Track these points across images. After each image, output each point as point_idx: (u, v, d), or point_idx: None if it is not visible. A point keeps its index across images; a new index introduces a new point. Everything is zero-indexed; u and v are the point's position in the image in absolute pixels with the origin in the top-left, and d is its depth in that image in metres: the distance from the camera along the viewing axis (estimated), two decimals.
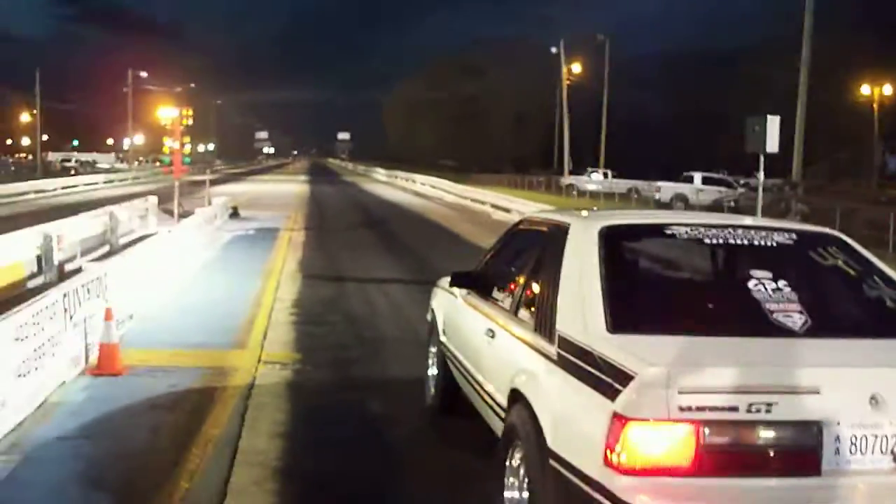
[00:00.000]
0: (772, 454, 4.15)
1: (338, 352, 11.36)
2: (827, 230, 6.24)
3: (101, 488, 6.59)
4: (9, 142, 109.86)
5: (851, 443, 4.21)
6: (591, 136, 73.87)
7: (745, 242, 5.57)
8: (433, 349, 8.63)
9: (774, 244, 5.56)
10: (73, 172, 77.28)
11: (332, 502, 6.56)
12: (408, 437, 8.12)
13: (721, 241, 5.61)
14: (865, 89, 55.68)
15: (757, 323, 4.82)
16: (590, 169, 67.96)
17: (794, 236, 5.71)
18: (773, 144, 17.67)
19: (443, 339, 8.15)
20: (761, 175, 19.24)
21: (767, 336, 4.73)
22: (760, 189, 20.18)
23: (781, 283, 5.06)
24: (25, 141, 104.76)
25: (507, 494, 5.38)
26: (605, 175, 65.03)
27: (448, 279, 7.69)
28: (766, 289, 5.01)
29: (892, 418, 4.22)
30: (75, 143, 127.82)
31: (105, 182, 66.83)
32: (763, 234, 5.66)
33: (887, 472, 4.25)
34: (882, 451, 4.24)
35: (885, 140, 49.36)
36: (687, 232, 5.62)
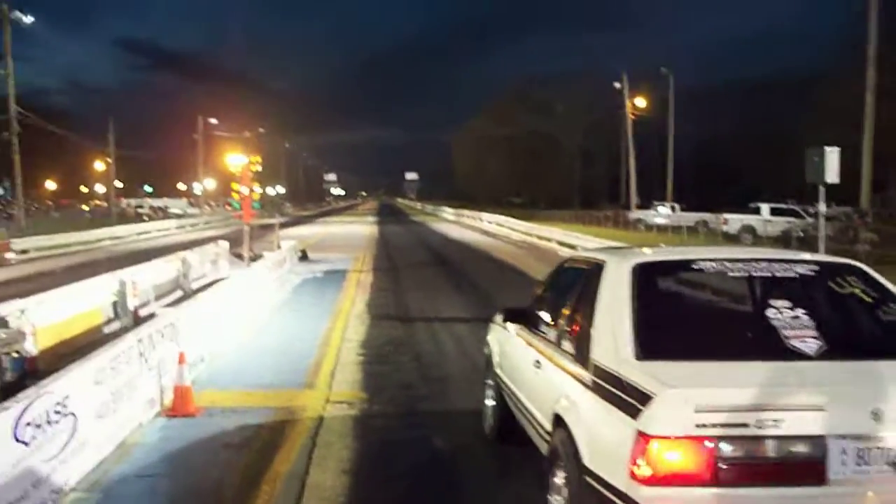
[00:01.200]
0: (781, 465, 4.54)
1: (404, 390, 11.62)
2: (847, 261, 6.61)
3: None
4: (84, 189, 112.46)
5: (856, 454, 4.58)
6: (659, 169, 73.47)
7: (768, 274, 5.97)
8: (489, 381, 9.08)
9: (796, 275, 5.98)
10: (145, 218, 78.94)
11: None
12: (468, 467, 8.43)
13: (745, 273, 6.02)
14: None
15: (774, 348, 5.22)
16: (656, 203, 67.60)
17: (815, 267, 6.15)
18: (832, 175, 17.70)
19: (497, 371, 8.63)
20: (822, 206, 19.27)
21: (782, 360, 5.12)
22: (822, 220, 20.16)
23: (800, 310, 5.45)
24: (100, 188, 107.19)
25: None
26: (673, 208, 64.65)
27: (502, 315, 8.25)
28: (784, 316, 5.40)
29: (893, 430, 4.58)
30: (147, 188, 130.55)
31: (177, 227, 68.15)
32: (785, 265, 6.07)
33: (889, 480, 4.60)
34: (885, 462, 4.61)
35: None
36: (713, 266, 6.06)
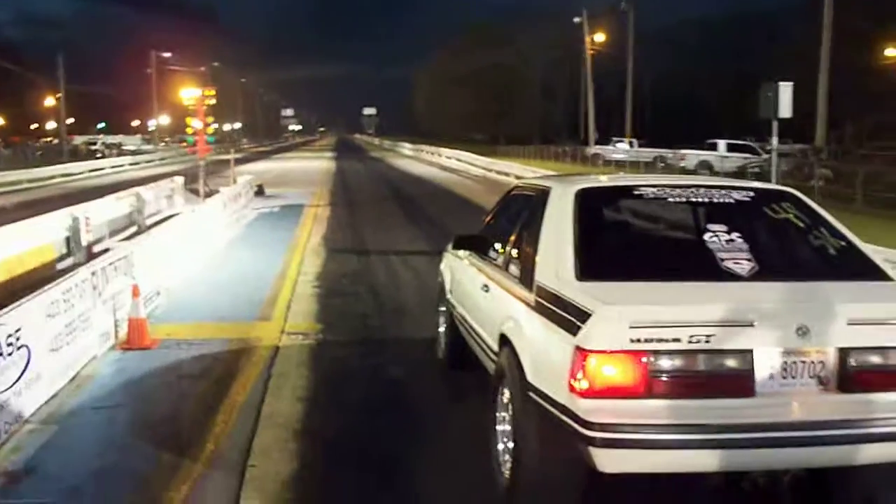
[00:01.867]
0: (711, 378, 4.76)
1: (359, 321, 11.73)
2: (782, 187, 6.93)
3: (133, 451, 6.96)
4: (34, 126, 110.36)
5: (782, 368, 4.82)
6: (619, 105, 73.51)
7: (706, 200, 6.16)
8: (442, 308, 9.25)
9: (732, 201, 6.16)
10: (99, 155, 77.69)
11: (351, 458, 6.87)
12: (422, 392, 8.63)
13: (684, 199, 6.21)
14: (891, 51, 55.16)
15: (708, 269, 5.42)
16: (615, 138, 67.73)
17: (751, 194, 6.37)
18: (786, 110, 17.87)
19: (449, 297, 8.82)
20: (775, 141, 19.52)
21: (716, 280, 5.33)
22: (774, 155, 20.40)
23: (735, 234, 5.65)
24: (51, 124, 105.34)
25: (498, 428, 6.06)
26: (631, 144, 64.80)
27: (453, 242, 8.40)
28: (720, 240, 5.61)
29: (817, 346, 4.84)
30: (101, 125, 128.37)
31: (131, 164, 67.43)
32: (723, 192, 6.26)
33: (814, 392, 4.87)
34: (809, 375, 4.87)
35: None
36: (654, 192, 6.27)
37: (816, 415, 4.84)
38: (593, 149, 66.01)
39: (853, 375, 4.90)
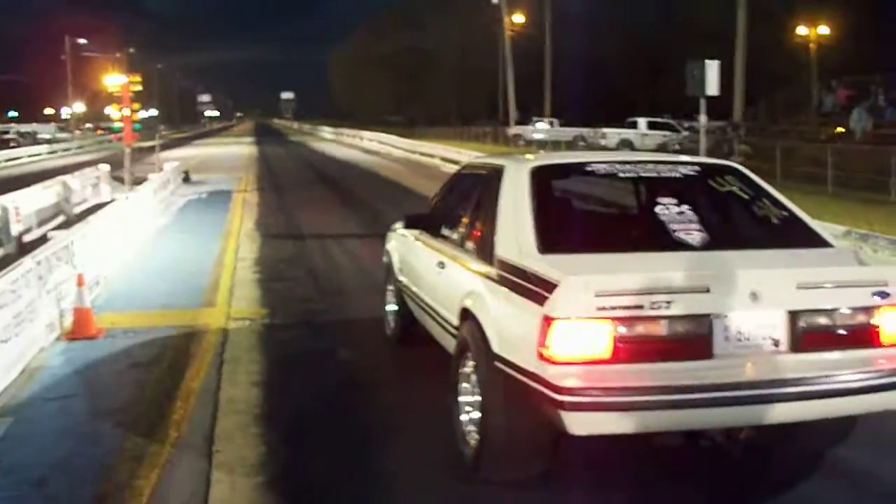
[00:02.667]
0: (672, 342, 5.06)
1: (303, 304, 11.78)
2: (726, 162, 7.34)
3: (94, 440, 6.93)
4: None
5: (737, 331, 5.13)
6: (538, 85, 73.91)
7: (655, 175, 6.53)
8: (390, 287, 9.42)
9: (679, 175, 6.51)
10: (13, 144, 75.97)
11: (314, 440, 6.97)
12: (373, 372, 8.76)
13: (633, 174, 6.59)
14: (802, 30, 56.33)
15: (662, 240, 5.73)
16: (535, 118, 68.03)
17: (696, 168, 6.73)
18: (713, 88, 18.31)
19: (399, 276, 8.97)
20: (703, 118, 19.89)
21: (671, 250, 5.63)
22: (703, 132, 20.86)
23: (684, 207, 5.96)
24: None
25: (461, 399, 6.24)
26: (551, 124, 65.14)
27: (401, 223, 8.71)
28: (670, 212, 5.91)
29: (769, 309, 5.15)
30: (12, 114, 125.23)
31: (49, 152, 65.91)
32: (670, 167, 6.63)
33: (767, 353, 5.19)
34: (762, 337, 5.18)
35: (821, 80, 50.18)
36: (605, 168, 6.57)
37: (770, 374, 5.13)
38: (514, 129, 66.28)
39: (803, 336, 5.21)
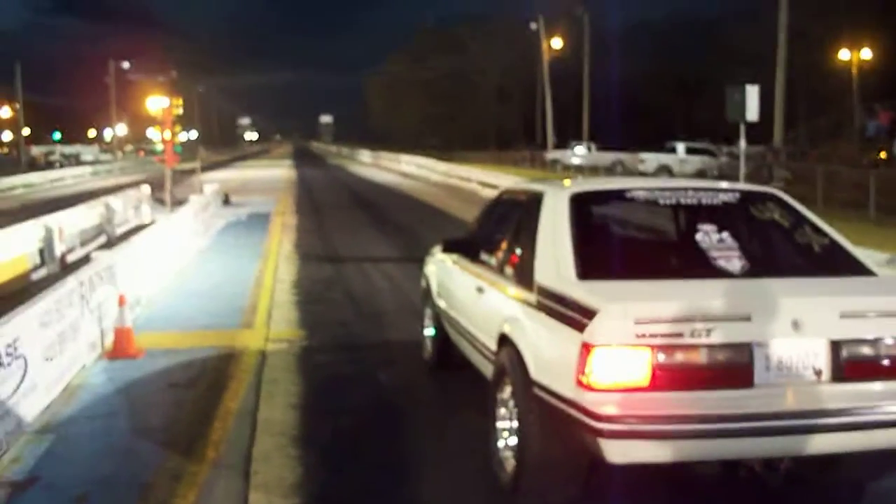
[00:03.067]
0: (712, 370, 5.01)
1: (341, 327, 11.83)
2: (766, 189, 7.24)
3: (133, 458, 7.03)
4: None
5: (778, 359, 5.06)
6: (576, 109, 73.87)
7: (695, 201, 6.46)
8: (428, 311, 9.48)
9: (720, 202, 6.47)
10: (57, 165, 77.07)
11: (352, 462, 7.00)
12: (411, 395, 8.79)
13: (673, 201, 6.53)
14: (844, 53, 55.98)
15: (702, 267, 5.71)
16: (573, 143, 67.89)
17: (737, 195, 6.68)
18: (753, 113, 18.19)
19: (437, 300, 9.01)
20: (743, 143, 19.78)
21: (711, 278, 5.61)
22: (742, 157, 20.72)
23: (724, 234, 5.95)
24: (6, 136, 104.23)
25: (498, 424, 6.24)
26: (589, 148, 64.95)
27: (440, 247, 8.72)
28: (711, 239, 5.91)
29: (811, 338, 5.08)
30: (57, 135, 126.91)
31: (92, 174, 66.78)
32: (710, 194, 6.56)
33: (809, 382, 5.11)
34: (804, 366, 5.11)
35: (863, 103, 49.80)
36: (645, 195, 6.54)
37: (812, 404, 5.07)
38: (552, 154, 66.26)
39: (845, 366, 5.15)
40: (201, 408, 8.26)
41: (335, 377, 9.45)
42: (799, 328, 5.07)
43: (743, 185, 7.51)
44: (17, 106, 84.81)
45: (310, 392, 8.84)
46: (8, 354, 7.25)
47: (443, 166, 54.03)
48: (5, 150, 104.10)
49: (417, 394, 8.81)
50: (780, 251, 6.46)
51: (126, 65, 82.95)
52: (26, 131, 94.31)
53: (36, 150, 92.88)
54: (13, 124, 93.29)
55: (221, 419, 7.94)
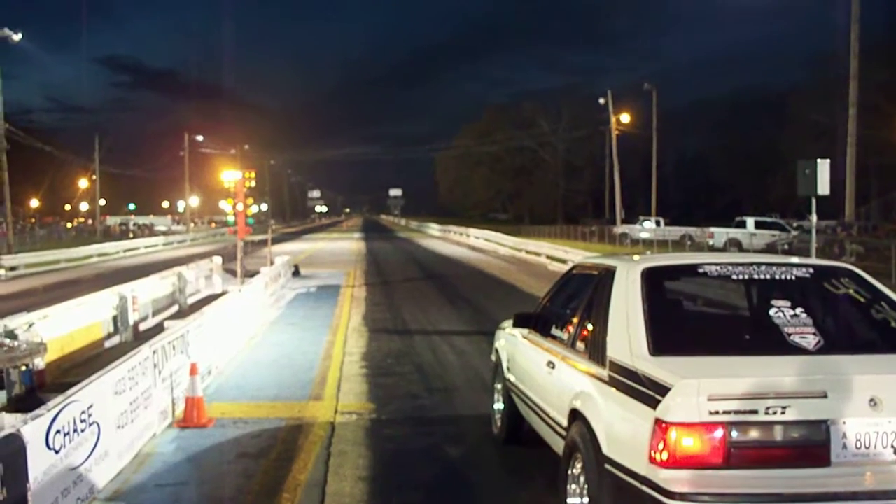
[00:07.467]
0: (787, 448, 4.91)
1: (410, 400, 11.79)
2: (840, 264, 7.12)
3: None
4: (67, 207, 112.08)
5: (856, 438, 4.94)
6: (643, 183, 73.83)
7: (767, 277, 6.40)
8: (498, 385, 9.45)
9: (793, 277, 6.41)
10: (131, 235, 78.79)
11: None
12: (481, 470, 8.68)
13: (746, 276, 6.46)
14: None
15: (776, 344, 5.63)
16: (642, 217, 67.80)
17: (811, 270, 6.59)
18: (824, 187, 18.01)
19: (507, 375, 8.98)
20: (814, 218, 19.52)
21: (785, 354, 5.51)
22: (814, 232, 20.45)
23: (799, 310, 5.88)
24: (84, 206, 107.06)
25: (569, 500, 6.19)
26: (658, 223, 64.84)
27: (510, 322, 8.71)
28: (784, 315, 5.83)
29: (889, 416, 4.96)
30: (131, 206, 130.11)
31: (164, 244, 68.12)
32: (783, 269, 6.51)
33: (888, 462, 4.97)
34: (882, 445, 4.98)
35: None
36: (717, 270, 6.50)
37: (890, 484, 4.94)
38: (620, 228, 66.13)
39: None
40: (270, 479, 8.26)
41: (404, 451, 9.39)
42: (877, 406, 4.96)
43: (816, 261, 7.40)
44: (94, 177, 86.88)
45: (378, 465, 8.79)
46: (82, 421, 7.35)
47: (511, 240, 54.15)
48: (82, 219, 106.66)
49: (486, 469, 8.71)
50: (856, 327, 6.34)
51: (200, 138, 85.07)
52: (102, 202, 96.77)
53: (111, 221, 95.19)
54: (90, 195, 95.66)
55: (290, 491, 7.93)
